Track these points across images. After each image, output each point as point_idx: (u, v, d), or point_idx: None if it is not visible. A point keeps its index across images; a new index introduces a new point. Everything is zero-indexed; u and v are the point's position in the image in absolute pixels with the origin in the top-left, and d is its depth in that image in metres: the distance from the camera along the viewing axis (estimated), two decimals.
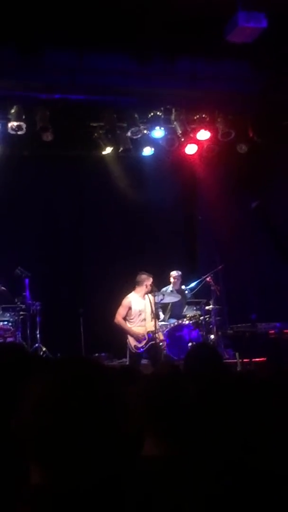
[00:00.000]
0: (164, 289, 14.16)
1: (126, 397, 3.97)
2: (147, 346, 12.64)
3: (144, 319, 12.72)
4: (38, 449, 1.88)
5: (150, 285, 12.75)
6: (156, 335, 12.60)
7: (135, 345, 12.66)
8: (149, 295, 12.69)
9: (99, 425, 1.90)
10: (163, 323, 13.62)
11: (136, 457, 2.88)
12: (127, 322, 12.76)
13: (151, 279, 12.79)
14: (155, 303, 12.90)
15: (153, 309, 12.63)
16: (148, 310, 12.69)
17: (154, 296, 12.68)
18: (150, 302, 12.64)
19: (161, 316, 14.05)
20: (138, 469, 2.75)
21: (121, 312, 12.75)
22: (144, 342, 12.62)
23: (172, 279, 14.37)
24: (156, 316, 12.74)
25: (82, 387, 1.92)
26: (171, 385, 3.10)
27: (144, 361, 12.80)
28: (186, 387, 3.11)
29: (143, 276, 12.84)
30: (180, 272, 14.43)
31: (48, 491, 1.86)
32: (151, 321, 12.61)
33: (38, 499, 1.87)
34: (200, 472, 2.71)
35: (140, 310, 12.71)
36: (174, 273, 14.41)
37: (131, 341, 12.71)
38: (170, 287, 14.34)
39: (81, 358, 2.07)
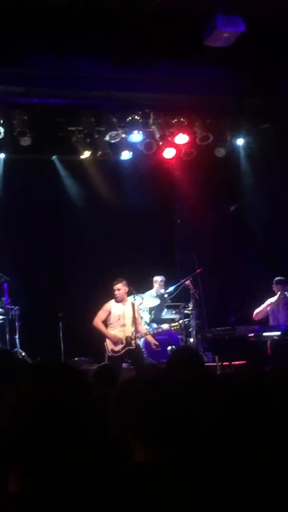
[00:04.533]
0: (147, 293, 14.19)
1: (105, 400, 3.98)
2: (123, 351, 12.62)
3: (124, 325, 12.68)
4: (15, 456, 1.87)
5: (119, 295, 12.68)
6: (133, 341, 12.58)
7: (111, 349, 12.64)
8: (133, 300, 12.65)
9: (77, 432, 1.89)
10: (146, 327, 13.66)
11: (120, 462, 2.87)
12: (107, 327, 12.74)
13: (116, 287, 12.72)
14: (137, 310, 12.88)
15: (135, 314, 12.60)
16: (128, 316, 12.66)
17: (134, 300, 12.65)
18: (133, 308, 12.60)
19: (147, 318, 14.10)
20: (123, 475, 2.76)
21: (100, 315, 12.73)
22: (120, 346, 12.60)
23: (156, 284, 14.39)
24: (136, 322, 12.69)
25: (59, 393, 1.91)
26: (156, 389, 3.03)
27: (124, 365, 12.79)
28: (171, 391, 3.08)
29: (114, 285, 12.82)
30: (163, 277, 14.46)
31: (26, 499, 1.85)
32: (132, 327, 12.59)
33: (16, 507, 1.86)
34: (185, 477, 2.70)
35: (119, 315, 12.69)
36: (157, 278, 14.44)
37: (109, 344, 12.69)
38: (153, 292, 14.38)
39: (56, 363, 2.06)
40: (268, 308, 13.38)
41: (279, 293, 13.35)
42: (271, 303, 13.38)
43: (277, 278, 13.45)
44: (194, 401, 3.53)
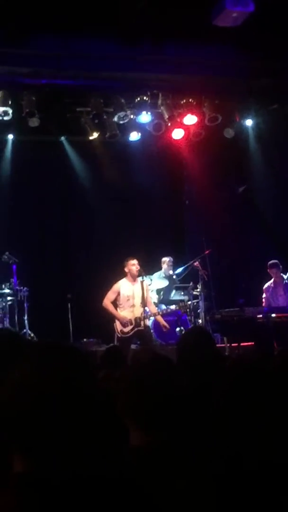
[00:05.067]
0: (156, 274, 14.21)
1: (110, 382, 3.99)
2: (132, 332, 12.63)
3: (133, 305, 12.67)
4: (19, 437, 1.88)
5: (136, 269, 12.65)
6: (142, 322, 12.59)
7: (121, 330, 12.65)
8: (142, 281, 12.63)
9: (80, 413, 1.90)
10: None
11: (122, 443, 2.87)
12: (117, 307, 12.74)
13: (131, 262, 12.68)
14: (147, 290, 12.88)
15: (144, 295, 12.59)
16: (138, 296, 12.64)
17: (143, 280, 12.64)
18: (142, 289, 12.58)
19: (156, 299, 14.12)
20: (124, 459, 2.76)
21: (109, 296, 12.72)
22: (129, 327, 12.61)
23: (164, 265, 14.41)
24: (146, 303, 12.68)
25: (62, 374, 1.91)
26: (152, 372, 2.99)
27: (133, 346, 12.81)
28: (169, 374, 3.06)
29: (125, 262, 12.81)
30: (171, 258, 14.48)
31: (31, 479, 1.86)
32: (140, 307, 12.58)
33: (21, 487, 1.87)
34: (186, 461, 2.71)
35: (128, 296, 12.68)
36: (166, 259, 14.46)
37: (118, 326, 12.70)
38: (162, 273, 14.40)
39: (60, 343, 2.06)
40: (268, 293, 13.43)
41: (275, 276, 13.41)
42: (268, 286, 13.44)
43: (270, 262, 13.48)
44: (202, 384, 3.53)
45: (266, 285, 13.51)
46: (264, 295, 13.45)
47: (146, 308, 12.68)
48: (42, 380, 1.90)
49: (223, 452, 2.81)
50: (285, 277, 13.48)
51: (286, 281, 13.49)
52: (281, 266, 13.45)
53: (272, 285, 13.45)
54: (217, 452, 2.81)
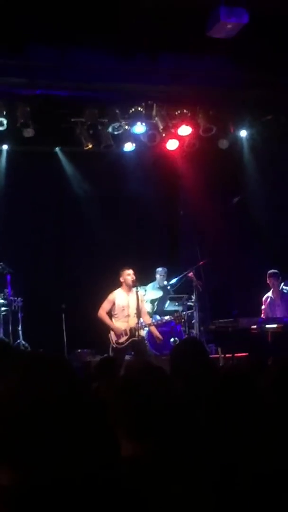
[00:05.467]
0: (150, 284, 14.22)
1: (104, 393, 3.98)
2: (127, 343, 12.63)
3: (128, 315, 12.68)
4: (4, 449, 1.87)
5: (132, 279, 12.65)
6: (137, 332, 12.59)
7: (116, 340, 12.65)
8: (137, 291, 12.63)
9: (68, 423, 1.89)
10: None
11: (114, 453, 2.86)
12: (112, 317, 12.74)
13: (127, 272, 12.70)
14: (141, 300, 12.89)
15: (139, 306, 12.59)
16: (132, 307, 12.65)
17: (138, 291, 12.64)
18: (138, 299, 12.58)
19: (150, 310, 14.11)
20: (116, 469, 2.73)
21: (104, 306, 12.72)
22: (124, 338, 12.61)
23: (158, 276, 14.42)
24: (140, 313, 12.67)
25: (48, 386, 1.91)
26: (144, 382, 3.00)
27: (127, 357, 12.80)
28: (161, 384, 3.07)
29: (120, 272, 12.82)
30: (166, 269, 14.50)
31: (16, 492, 1.85)
32: (135, 317, 12.58)
33: (5, 501, 1.86)
34: (178, 470, 2.71)
35: (123, 306, 12.69)
36: (160, 269, 14.47)
37: (113, 336, 12.71)
38: (156, 283, 14.42)
39: (45, 355, 2.06)
40: (266, 304, 13.44)
41: (273, 286, 13.42)
42: (267, 297, 13.45)
43: (270, 271, 13.49)
44: (195, 394, 3.53)
45: (265, 296, 13.51)
46: (263, 306, 13.46)
47: (140, 318, 12.68)
48: (28, 392, 1.89)
49: (215, 462, 2.80)
50: (281, 286, 13.48)
51: (284, 291, 13.49)
52: (280, 277, 13.45)
53: (271, 295, 13.45)
54: (210, 462, 2.80)
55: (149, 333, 13.46)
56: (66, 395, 1.91)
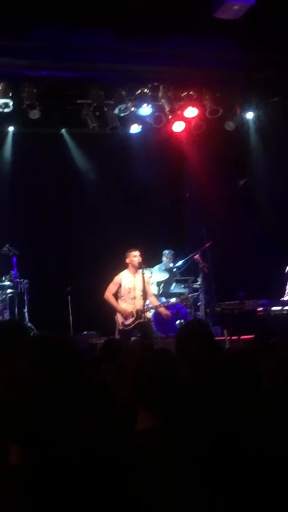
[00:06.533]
0: (156, 267, 14.23)
1: (109, 373, 4.01)
2: (134, 324, 12.64)
3: (134, 297, 12.67)
4: (17, 428, 1.88)
5: (138, 261, 12.62)
6: (143, 314, 12.60)
7: (122, 322, 12.66)
8: (143, 273, 12.61)
9: (76, 403, 1.90)
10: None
11: (125, 431, 2.93)
12: (118, 299, 12.74)
13: (133, 253, 12.66)
14: (147, 282, 12.89)
15: (145, 287, 12.59)
16: (138, 288, 12.63)
17: (143, 273, 12.63)
18: (143, 281, 12.57)
19: (156, 292, 14.11)
20: (132, 442, 2.83)
21: (111, 288, 12.71)
22: (131, 320, 12.62)
23: (164, 258, 14.43)
24: (146, 295, 12.68)
25: (58, 366, 1.92)
26: (159, 363, 3.16)
27: (133, 339, 12.80)
28: (175, 365, 3.16)
29: (126, 253, 12.79)
30: (172, 251, 14.51)
31: (27, 471, 1.86)
32: (141, 299, 12.58)
33: (17, 479, 1.87)
34: (188, 444, 2.75)
35: (129, 288, 12.67)
36: (166, 252, 14.49)
37: (119, 318, 12.71)
38: (162, 266, 14.43)
39: (54, 336, 2.07)
40: None
41: None
42: None
43: None
44: (202, 374, 3.55)
45: None
46: None
47: (147, 300, 12.69)
48: (36, 373, 1.90)
49: (215, 436, 2.84)
50: None
51: None
52: None
53: None
54: (210, 436, 2.84)
55: (155, 315, 13.47)
56: (73, 376, 1.92)
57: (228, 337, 12.59)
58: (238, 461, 2.69)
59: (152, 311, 13.27)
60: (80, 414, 1.93)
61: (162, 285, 14.50)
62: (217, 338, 12.52)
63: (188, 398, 3.02)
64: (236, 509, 2.63)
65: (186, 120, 14.55)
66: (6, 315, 12.99)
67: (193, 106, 14.25)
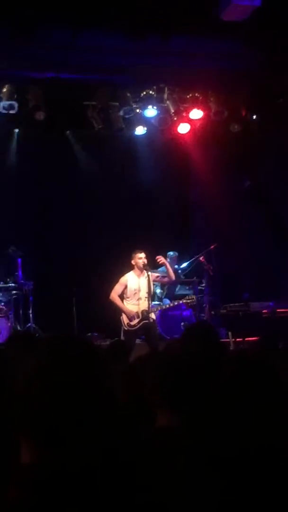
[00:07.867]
0: (160, 269, 14.20)
1: (114, 376, 4.04)
2: (139, 325, 12.63)
3: (140, 299, 12.65)
4: (29, 427, 1.87)
5: (143, 262, 12.60)
6: (149, 315, 12.59)
7: (127, 323, 12.65)
8: (149, 274, 12.59)
9: (90, 403, 1.89)
10: (157, 302, 13.67)
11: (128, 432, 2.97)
12: (123, 300, 12.72)
13: (138, 255, 12.63)
14: (153, 283, 12.88)
15: (150, 289, 12.58)
16: (144, 290, 12.61)
17: (148, 274, 12.61)
18: (149, 282, 12.55)
19: (160, 294, 14.10)
20: (152, 438, 3.01)
21: (117, 289, 12.68)
22: (136, 320, 12.61)
23: (169, 260, 14.41)
24: (151, 296, 12.68)
25: (73, 366, 1.91)
26: (181, 363, 3.36)
27: (138, 340, 12.80)
28: (194, 366, 3.31)
29: (132, 255, 12.78)
30: (176, 253, 14.50)
31: (40, 470, 1.85)
32: (146, 300, 12.57)
33: (29, 479, 1.86)
34: (204, 440, 2.78)
35: (135, 289, 12.64)
36: (171, 254, 14.47)
37: (124, 319, 12.70)
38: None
39: (70, 336, 2.06)
40: None
41: None
42: None
43: None
44: (208, 375, 3.57)
45: None
46: None
47: (152, 302, 12.70)
48: (55, 370, 1.89)
49: (227, 436, 2.85)
50: None
51: None
52: None
53: None
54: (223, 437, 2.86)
55: (159, 316, 13.46)
56: (93, 374, 1.92)
57: (233, 339, 12.59)
58: (258, 464, 2.71)
59: (157, 312, 13.26)
60: (92, 412, 1.92)
61: (166, 286, 14.49)
62: (222, 340, 12.53)
63: (209, 399, 3.06)
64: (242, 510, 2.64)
65: (191, 122, 14.57)
66: (11, 317, 12.99)
67: (198, 108, 14.26)
